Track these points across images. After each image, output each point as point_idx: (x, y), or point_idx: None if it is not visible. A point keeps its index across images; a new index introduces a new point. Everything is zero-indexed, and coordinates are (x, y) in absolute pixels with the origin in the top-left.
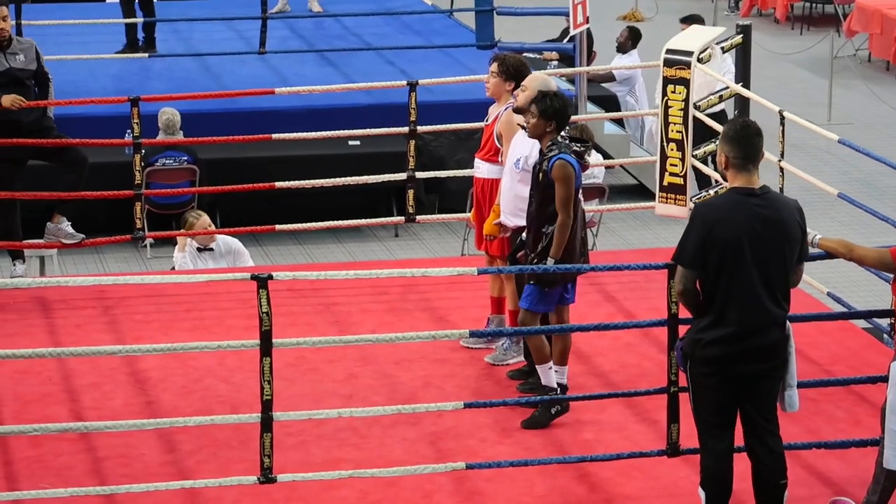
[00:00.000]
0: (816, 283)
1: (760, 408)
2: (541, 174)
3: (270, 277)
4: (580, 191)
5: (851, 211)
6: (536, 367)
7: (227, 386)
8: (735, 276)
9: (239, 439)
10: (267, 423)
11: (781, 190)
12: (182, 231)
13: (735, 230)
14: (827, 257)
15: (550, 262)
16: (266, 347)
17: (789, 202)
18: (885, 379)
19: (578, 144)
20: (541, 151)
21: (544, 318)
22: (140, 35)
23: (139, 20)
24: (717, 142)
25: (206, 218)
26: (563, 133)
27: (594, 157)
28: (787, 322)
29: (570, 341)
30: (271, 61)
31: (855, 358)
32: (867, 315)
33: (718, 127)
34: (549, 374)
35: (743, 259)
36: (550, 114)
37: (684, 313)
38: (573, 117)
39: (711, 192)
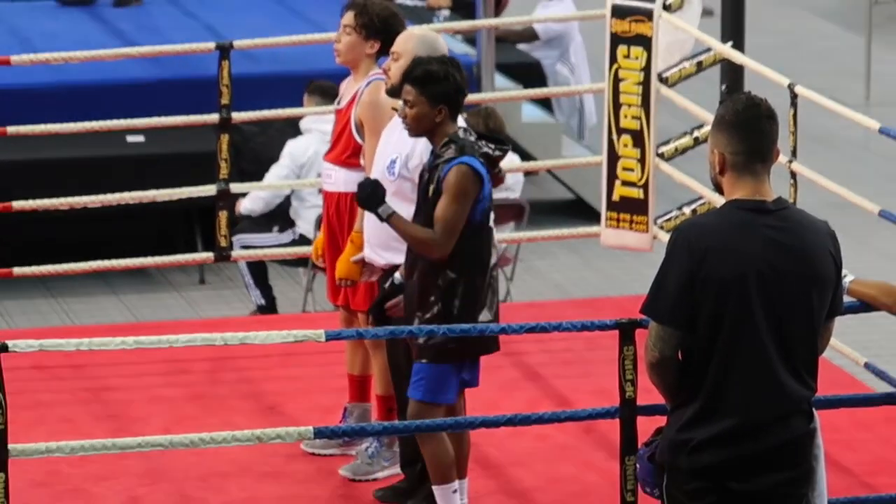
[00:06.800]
0: (849, 350)
1: None
2: (430, 186)
3: (5, 349)
4: (490, 215)
5: None
6: (433, 487)
7: None
8: (738, 337)
9: None
10: None
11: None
12: None
13: (738, 266)
14: (863, 309)
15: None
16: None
17: (818, 224)
18: None
19: (492, 145)
20: (432, 152)
21: None
22: None
23: None
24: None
25: None
26: (461, 123)
27: (508, 160)
28: (814, 409)
29: (469, 444)
30: (5, 14)
31: None
32: None
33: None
34: (453, 500)
35: (749, 311)
36: (439, 95)
37: (652, 397)
38: (473, 97)
39: (688, 210)
